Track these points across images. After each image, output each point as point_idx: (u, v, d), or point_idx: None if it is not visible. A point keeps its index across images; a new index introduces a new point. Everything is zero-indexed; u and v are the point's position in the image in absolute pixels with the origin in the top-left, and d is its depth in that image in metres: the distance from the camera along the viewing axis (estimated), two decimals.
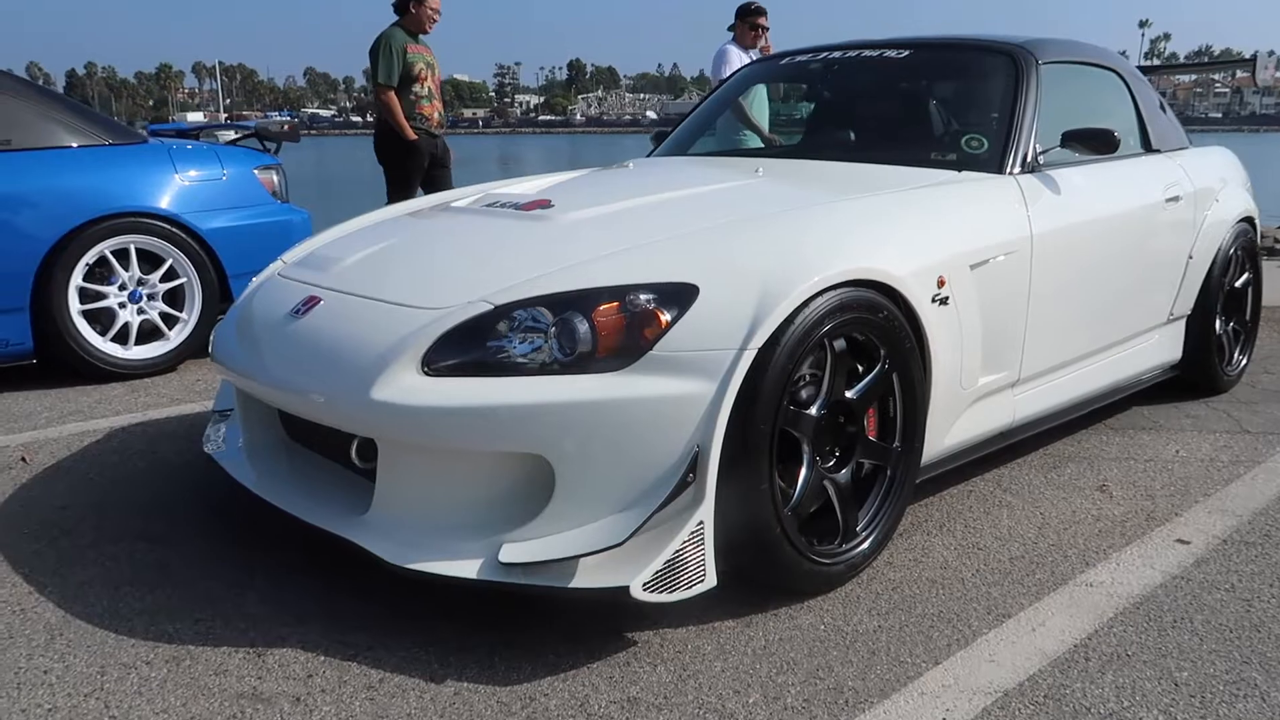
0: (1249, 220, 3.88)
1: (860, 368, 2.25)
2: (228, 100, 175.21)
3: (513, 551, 1.87)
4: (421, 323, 2.01)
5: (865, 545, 2.25)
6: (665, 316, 1.94)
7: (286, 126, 4.96)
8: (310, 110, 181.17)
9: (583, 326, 1.93)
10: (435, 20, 5.57)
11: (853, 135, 3.22)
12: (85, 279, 3.96)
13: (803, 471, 2.12)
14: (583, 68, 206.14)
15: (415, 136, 5.48)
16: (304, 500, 2.18)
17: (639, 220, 2.38)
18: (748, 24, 5.95)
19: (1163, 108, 3.88)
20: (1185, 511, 2.69)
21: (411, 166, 5.58)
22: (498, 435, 1.89)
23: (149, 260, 4.12)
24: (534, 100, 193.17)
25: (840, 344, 2.14)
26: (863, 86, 3.42)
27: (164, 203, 4.10)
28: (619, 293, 1.98)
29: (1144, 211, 3.26)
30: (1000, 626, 2.06)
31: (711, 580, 1.93)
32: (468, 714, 1.75)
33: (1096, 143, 2.88)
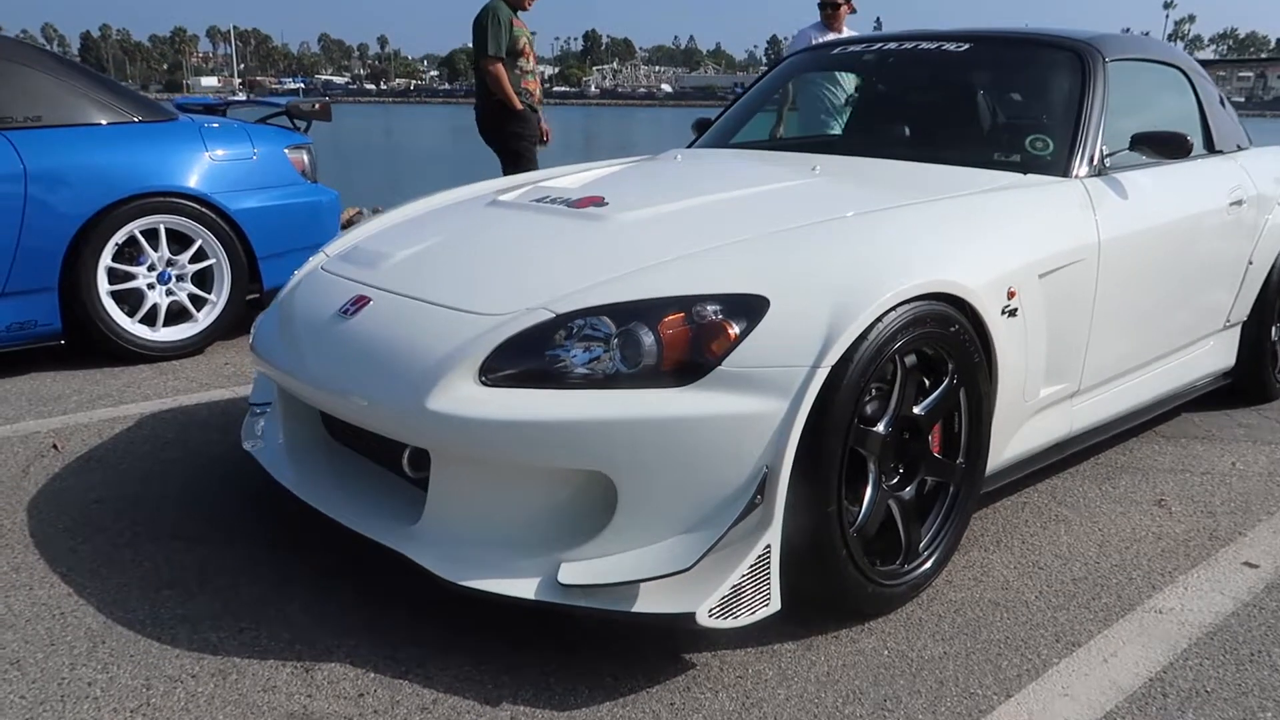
0: None
1: (927, 382, 2.17)
2: (241, 65, 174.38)
3: (572, 572, 1.80)
4: (479, 330, 1.93)
5: (928, 565, 2.18)
6: (734, 329, 1.86)
7: (318, 105, 4.83)
8: (324, 76, 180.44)
9: (648, 338, 1.85)
10: None
11: (909, 132, 3.12)
12: (114, 259, 3.90)
13: (868, 491, 2.04)
14: (598, 39, 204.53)
15: (522, 107, 5.33)
16: (349, 506, 2.11)
17: (700, 222, 2.29)
18: (819, 4, 5.79)
19: (1223, 103, 3.76)
20: (1249, 531, 2.61)
21: (527, 136, 5.40)
22: (560, 450, 1.81)
23: (178, 240, 4.05)
24: (549, 71, 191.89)
25: (911, 359, 2.06)
26: (920, 80, 3.30)
27: (194, 182, 4.02)
28: (685, 303, 1.90)
29: (1208, 216, 3.15)
30: (1071, 656, 1.98)
31: (776, 604, 1.86)
32: None
33: (1169, 147, 2.77)
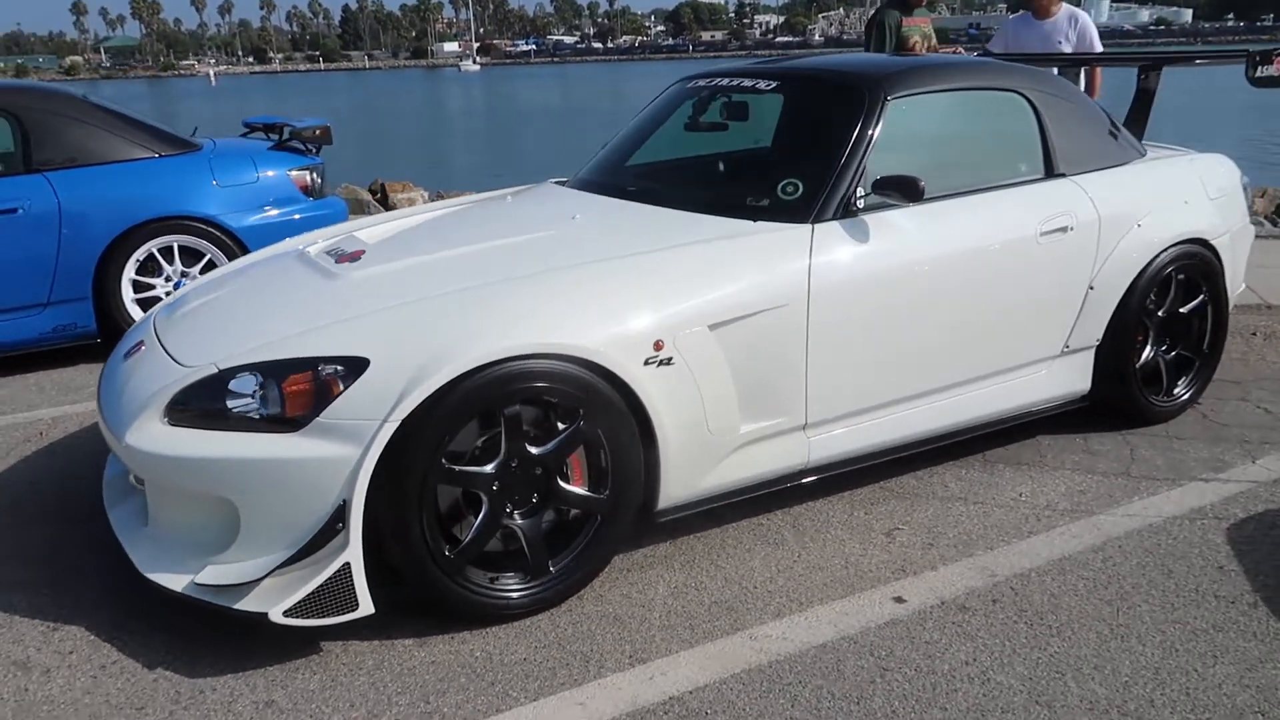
0: (1198, 241, 3.60)
1: (562, 425, 2.50)
2: (480, 29, 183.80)
3: (208, 574, 2.34)
4: (172, 378, 2.49)
5: (561, 585, 2.54)
6: (340, 386, 2.31)
7: (319, 131, 5.53)
8: (555, 37, 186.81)
9: (274, 392, 2.34)
10: None
11: (691, 175, 3.34)
12: (137, 272, 4.79)
13: (478, 519, 2.43)
14: None
15: None
16: (121, 508, 2.74)
17: (401, 283, 2.69)
18: None
19: (1114, 128, 3.65)
20: (945, 566, 2.73)
21: None
22: (201, 481, 2.35)
23: (192, 254, 4.90)
24: (774, 20, 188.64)
25: (514, 409, 2.41)
26: (727, 119, 3.49)
27: (201, 207, 4.84)
28: (311, 363, 2.36)
29: (1002, 248, 3.16)
30: (627, 671, 2.30)
31: (367, 608, 2.32)
32: (150, 695, 2.26)
33: (903, 190, 2.86)
